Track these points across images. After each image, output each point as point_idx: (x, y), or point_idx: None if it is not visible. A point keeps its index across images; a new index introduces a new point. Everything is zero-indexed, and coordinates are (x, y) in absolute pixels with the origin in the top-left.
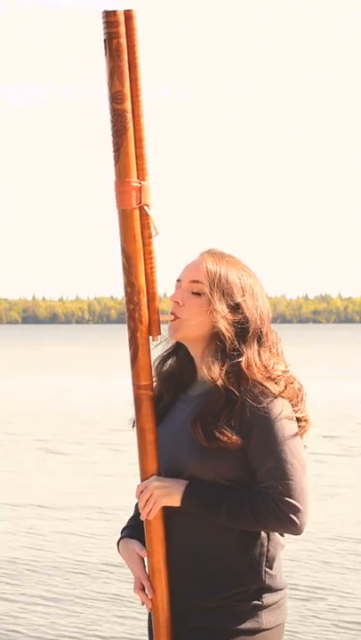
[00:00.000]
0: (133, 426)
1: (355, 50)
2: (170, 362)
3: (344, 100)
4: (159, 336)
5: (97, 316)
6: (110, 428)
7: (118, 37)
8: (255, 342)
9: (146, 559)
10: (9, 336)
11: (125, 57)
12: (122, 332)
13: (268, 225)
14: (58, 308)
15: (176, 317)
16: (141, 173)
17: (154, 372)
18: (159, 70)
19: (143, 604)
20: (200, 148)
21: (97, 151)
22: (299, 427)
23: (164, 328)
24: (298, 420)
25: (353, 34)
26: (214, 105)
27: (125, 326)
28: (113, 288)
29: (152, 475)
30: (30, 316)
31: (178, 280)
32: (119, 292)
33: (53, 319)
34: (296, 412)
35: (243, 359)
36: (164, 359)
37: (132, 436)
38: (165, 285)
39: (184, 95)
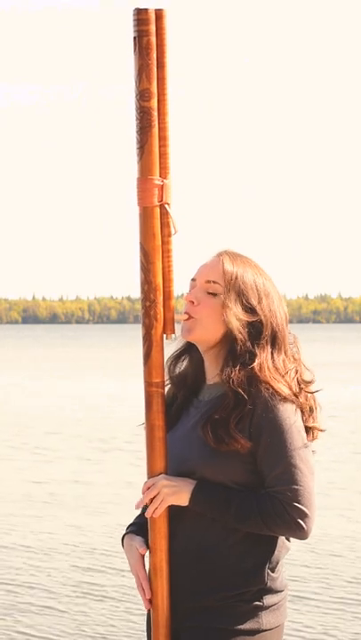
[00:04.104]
0: None
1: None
2: (182, 363)
3: (344, 101)
4: (173, 335)
5: (97, 315)
6: (48, 431)
7: (148, 35)
8: (269, 345)
9: (147, 557)
10: (8, 336)
11: (154, 55)
12: (121, 332)
13: (268, 225)
14: (58, 308)
15: (190, 317)
16: (164, 172)
17: (166, 374)
18: (176, 69)
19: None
20: (204, 151)
21: (97, 152)
22: (309, 434)
23: (178, 327)
24: (309, 428)
25: (353, 32)
26: (228, 107)
27: (125, 326)
28: (113, 288)
29: (159, 473)
30: (30, 315)
31: (193, 279)
32: (119, 292)
33: (53, 319)
34: (307, 420)
35: (255, 362)
36: (175, 359)
37: (69, 439)
38: (180, 285)
39: (200, 94)
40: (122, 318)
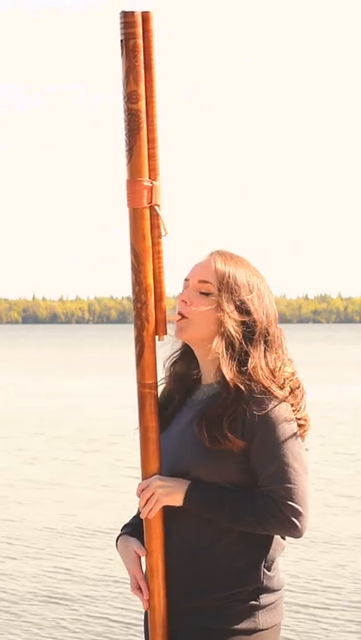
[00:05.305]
0: None
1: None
2: (180, 363)
3: (344, 101)
4: (165, 336)
5: (97, 315)
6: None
7: (135, 38)
8: (261, 343)
9: (143, 558)
10: (8, 336)
11: (141, 58)
12: (121, 332)
13: (269, 225)
14: (58, 308)
15: (183, 317)
16: (153, 173)
17: (166, 373)
18: (167, 70)
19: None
20: (202, 151)
21: (97, 152)
22: (299, 427)
23: (171, 328)
24: (297, 419)
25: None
26: (220, 107)
27: (125, 326)
28: (113, 288)
29: (154, 474)
30: (30, 315)
31: (185, 279)
32: (119, 292)
33: (53, 319)
34: (296, 412)
35: (249, 361)
36: (174, 359)
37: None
38: (172, 286)
39: (192, 95)
40: (122, 318)
